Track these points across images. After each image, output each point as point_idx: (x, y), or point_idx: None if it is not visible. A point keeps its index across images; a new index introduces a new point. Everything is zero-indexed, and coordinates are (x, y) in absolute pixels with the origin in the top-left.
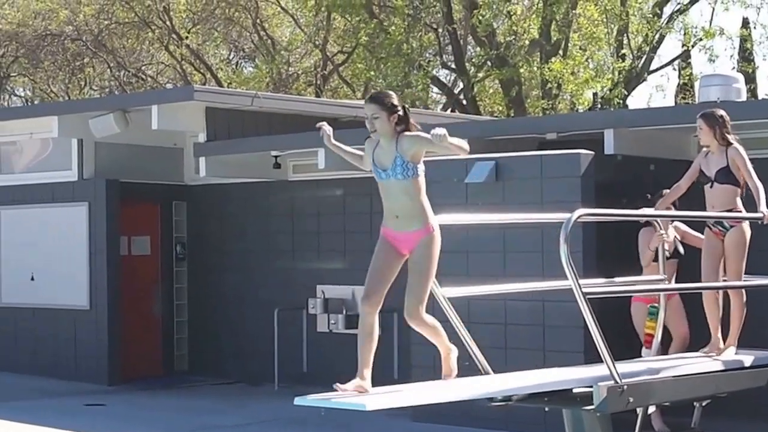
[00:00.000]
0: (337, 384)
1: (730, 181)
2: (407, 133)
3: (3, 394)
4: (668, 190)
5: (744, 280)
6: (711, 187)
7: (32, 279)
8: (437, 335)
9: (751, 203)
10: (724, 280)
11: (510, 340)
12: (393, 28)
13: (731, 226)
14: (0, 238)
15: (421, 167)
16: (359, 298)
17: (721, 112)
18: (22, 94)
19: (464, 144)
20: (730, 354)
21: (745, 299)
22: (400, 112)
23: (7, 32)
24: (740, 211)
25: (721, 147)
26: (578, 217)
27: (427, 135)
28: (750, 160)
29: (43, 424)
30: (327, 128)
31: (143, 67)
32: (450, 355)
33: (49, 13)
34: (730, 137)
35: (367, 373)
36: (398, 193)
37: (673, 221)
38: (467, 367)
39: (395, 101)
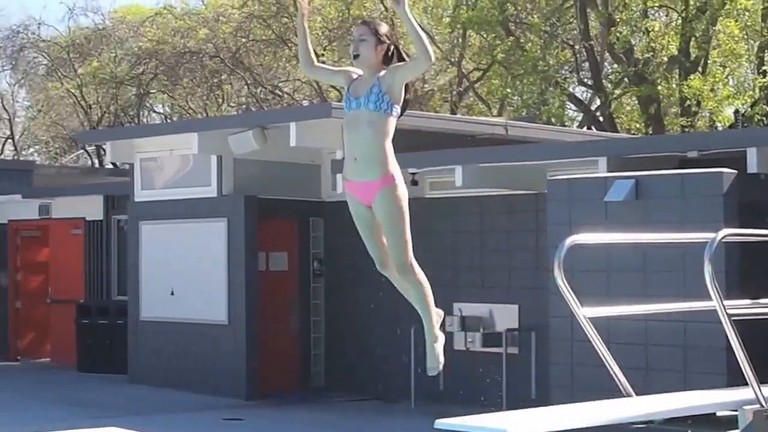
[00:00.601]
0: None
1: None
2: (389, 67)
3: (141, 408)
4: None
5: None
6: None
7: (172, 294)
8: (428, 294)
9: None
10: None
11: (651, 361)
12: (529, 45)
13: None
14: (141, 253)
15: (397, 109)
16: (496, 316)
17: None
18: (161, 111)
19: (429, 47)
20: None
21: None
22: (389, 47)
23: (147, 50)
24: None
25: None
26: (723, 237)
27: (404, 63)
28: None
29: None
30: (305, 7)
31: (280, 84)
32: (436, 343)
33: (188, 31)
34: None
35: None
36: (364, 127)
37: None
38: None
39: (388, 33)
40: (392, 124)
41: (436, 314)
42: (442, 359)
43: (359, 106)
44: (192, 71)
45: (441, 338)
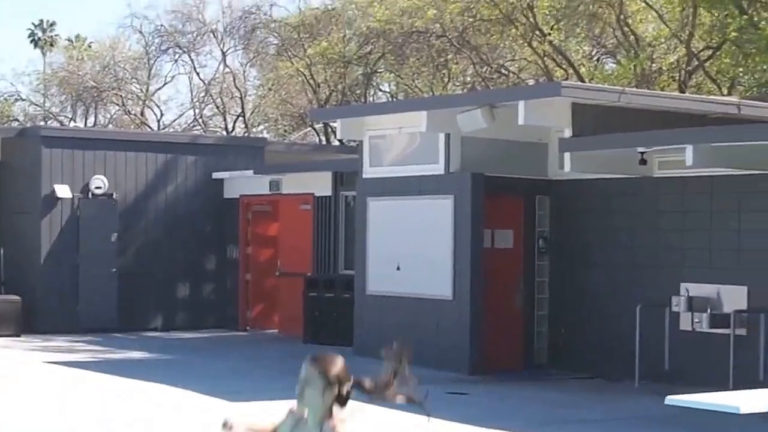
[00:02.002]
0: None
1: None
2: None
3: None
4: None
5: None
6: None
7: (398, 269)
8: None
9: None
10: None
11: None
12: (763, 23)
13: None
14: (368, 229)
15: None
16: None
17: None
18: (387, 90)
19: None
20: None
21: None
22: (339, 391)
23: (375, 29)
24: None
25: None
26: None
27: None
28: None
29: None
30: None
31: (505, 63)
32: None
33: (416, 11)
34: None
35: None
36: None
37: None
38: None
39: (340, 373)
40: None
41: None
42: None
43: None
44: (419, 51)
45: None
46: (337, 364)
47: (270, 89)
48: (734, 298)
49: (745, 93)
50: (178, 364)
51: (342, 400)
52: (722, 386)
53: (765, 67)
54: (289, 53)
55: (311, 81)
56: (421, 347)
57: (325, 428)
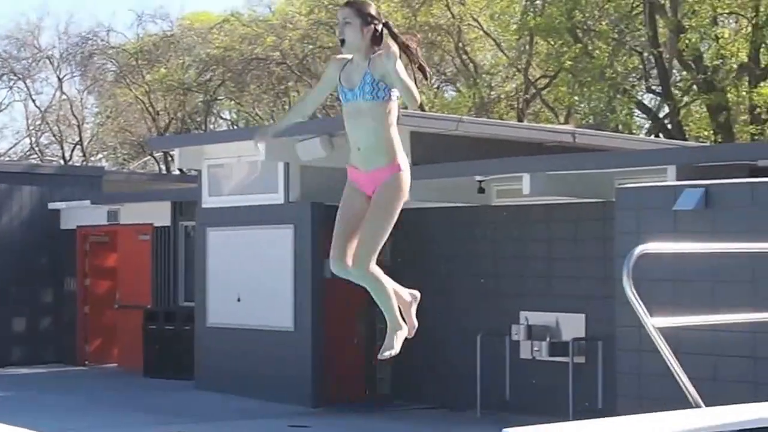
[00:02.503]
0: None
1: None
2: (380, 53)
3: (207, 414)
4: None
5: None
6: None
7: (239, 300)
8: (387, 296)
9: None
10: None
11: (720, 372)
12: (597, 52)
13: None
14: (207, 260)
15: (395, 92)
16: (563, 325)
17: None
18: (228, 117)
19: (415, 92)
20: None
21: None
22: (378, 27)
23: (215, 56)
24: None
25: None
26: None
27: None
28: None
29: None
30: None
31: None
32: (397, 333)
33: (256, 38)
34: None
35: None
36: (364, 119)
37: None
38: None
39: (374, 12)
40: (393, 108)
41: (406, 299)
42: (396, 349)
43: (355, 98)
44: (259, 78)
45: (404, 329)
46: (371, 5)
47: (108, 117)
48: (573, 326)
49: (581, 121)
50: (18, 400)
51: (377, 39)
52: (562, 414)
53: (600, 95)
54: (128, 80)
55: (150, 108)
56: (263, 380)
57: (372, 58)
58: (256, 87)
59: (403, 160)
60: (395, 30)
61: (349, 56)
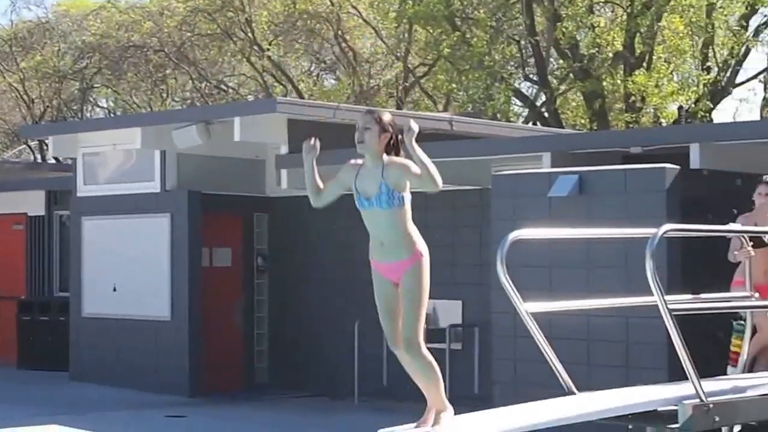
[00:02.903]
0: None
1: None
2: (395, 158)
3: (83, 405)
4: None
5: None
6: None
7: (114, 290)
8: (434, 380)
9: None
10: None
11: (593, 356)
12: (475, 40)
13: None
14: (83, 249)
15: (407, 195)
16: (440, 312)
17: None
18: (105, 105)
19: (437, 176)
20: None
21: None
22: (391, 135)
23: (91, 44)
24: None
25: None
26: (665, 233)
27: (414, 167)
28: None
29: None
30: (316, 147)
31: (225, 79)
32: (443, 413)
33: (133, 25)
34: None
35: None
36: (383, 223)
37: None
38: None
39: (391, 122)
40: (407, 208)
41: (441, 406)
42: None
43: (372, 206)
44: (136, 65)
45: (449, 410)
46: (389, 114)
47: None
48: (450, 312)
49: (459, 109)
50: None
51: (389, 147)
52: None
53: (478, 83)
54: (1, 67)
55: (25, 96)
56: (140, 370)
57: (386, 162)
58: (133, 75)
59: (422, 248)
60: (399, 144)
61: (361, 162)
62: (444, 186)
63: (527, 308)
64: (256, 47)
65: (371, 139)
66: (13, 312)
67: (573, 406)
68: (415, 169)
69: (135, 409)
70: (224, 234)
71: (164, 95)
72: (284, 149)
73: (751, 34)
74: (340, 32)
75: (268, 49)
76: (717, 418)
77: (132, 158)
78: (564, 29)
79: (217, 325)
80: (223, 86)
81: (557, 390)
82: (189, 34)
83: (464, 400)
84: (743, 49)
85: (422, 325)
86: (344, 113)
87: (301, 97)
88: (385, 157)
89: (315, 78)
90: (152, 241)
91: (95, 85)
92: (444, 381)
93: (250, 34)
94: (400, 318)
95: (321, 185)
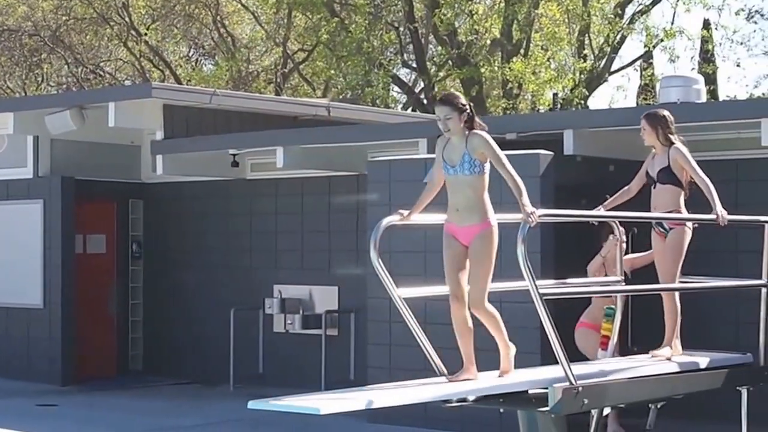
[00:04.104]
0: (449, 377)
1: (671, 181)
2: (478, 132)
3: None
4: (614, 196)
5: (681, 282)
6: (654, 188)
7: None
8: (498, 329)
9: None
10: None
11: None
12: (354, 26)
13: (671, 228)
14: None
15: (487, 165)
16: (316, 298)
17: (665, 113)
18: None
19: (516, 177)
20: (666, 353)
21: (678, 302)
22: (469, 111)
23: None
24: (680, 212)
25: (664, 147)
26: (539, 217)
27: (497, 149)
28: (710, 162)
29: None
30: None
31: (101, 64)
32: (508, 352)
33: (7, 8)
34: (673, 137)
35: (473, 366)
36: (463, 188)
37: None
38: (425, 371)
39: (463, 101)
40: (486, 178)
41: (506, 346)
42: (511, 366)
43: (456, 173)
44: (10, 50)
45: (512, 348)
46: (458, 95)
47: None
48: (326, 298)
49: (338, 95)
50: None
51: (469, 122)
52: (315, 386)
53: (357, 69)
54: None
55: None
56: (11, 359)
57: (468, 138)
58: (7, 59)
59: (493, 219)
60: (473, 111)
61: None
62: (321, 172)
63: (400, 294)
64: (133, 32)
65: (455, 125)
66: None
67: (443, 387)
68: (497, 151)
69: (5, 398)
70: (98, 220)
71: (39, 80)
72: (160, 135)
73: (627, 22)
74: (218, 17)
75: (146, 34)
76: (586, 401)
77: (4, 143)
78: (442, 16)
79: (91, 313)
80: (99, 71)
81: (431, 374)
82: (65, 18)
83: (340, 386)
84: (619, 37)
85: (488, 287)
86: (221, 99)
87: (180, 83)
88: (467, 132)
89: (194, 63)
90: (24, 227)
91: None
92: (319, 366)
93: (127, 19)
94: (465, 277)
95: (435, 185)
